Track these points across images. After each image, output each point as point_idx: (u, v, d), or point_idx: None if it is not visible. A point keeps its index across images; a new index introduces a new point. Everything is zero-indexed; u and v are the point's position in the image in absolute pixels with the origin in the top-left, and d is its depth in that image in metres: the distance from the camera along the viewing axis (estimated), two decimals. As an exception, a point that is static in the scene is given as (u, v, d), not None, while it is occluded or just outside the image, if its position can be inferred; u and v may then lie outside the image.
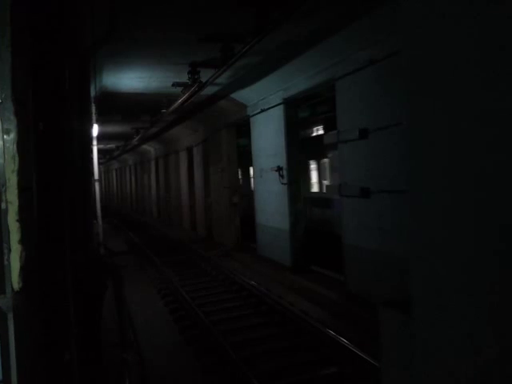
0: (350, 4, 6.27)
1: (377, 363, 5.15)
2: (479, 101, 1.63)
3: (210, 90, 11.10)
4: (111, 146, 27.97)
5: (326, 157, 15.12)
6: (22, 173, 1.52)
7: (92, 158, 8.99)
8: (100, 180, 13.09)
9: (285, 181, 10.62)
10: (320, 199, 14.67)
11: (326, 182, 15.63)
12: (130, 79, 10.38)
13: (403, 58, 1.98)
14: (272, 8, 5.99)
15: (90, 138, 6.55)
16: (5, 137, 1.49)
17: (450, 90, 1.77)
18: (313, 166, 16.55)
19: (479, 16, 1.61)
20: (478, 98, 1.64)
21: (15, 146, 1.51)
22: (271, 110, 11.01)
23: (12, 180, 1.50)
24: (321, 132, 14.53)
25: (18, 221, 1.49)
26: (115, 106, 13.72)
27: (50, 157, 2.17)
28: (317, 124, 14.60)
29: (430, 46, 1.84)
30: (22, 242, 1.49)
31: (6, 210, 1.48)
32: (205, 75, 8.91)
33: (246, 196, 16.19)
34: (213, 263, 12.50)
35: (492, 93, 1.58)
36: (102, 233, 10.76)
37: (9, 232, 1.47)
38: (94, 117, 10.03)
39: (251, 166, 13.83)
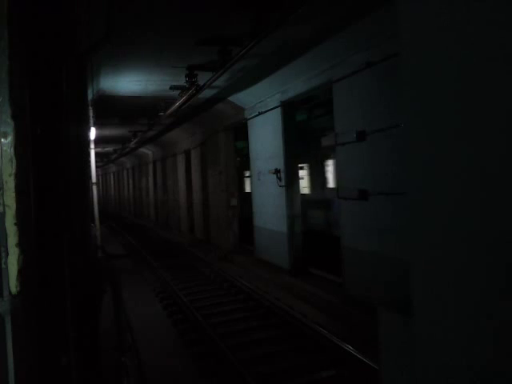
0: (347, 6, 6.29)
1: (376, 365, 5.14)
2: (479, 101, 1.63)
3: (207, 93, 11.11)
4: (109, 149, 27.93)
5: None
6: (19, 176, 1.52)
7: (89, 162, 8.97)
8: (98, 183, 13.07)
9: (282, 183, 10.62)
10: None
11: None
12: (128, 82, 10.38)
13: (401, 59, 1.98)
14: (269, 11, 6.00)
15: (88, 141, 6.53)
16: (2, 140, 1.49)
17: (449, 92, 1.77)
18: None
19: (477, 18, 1.61)
20: (478, 99, 1.64)
21: (13, 150, 1.50)
22: (269, 112, 11.02)
23: (9, 183, 1.49)
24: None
25: (15, 224, 1.48)
26: (112, 109, 13.72)
27: (48, 160, 2.16)
28: None
29: (428, 47, 1.84)
30: (19, 245, 1.48)
31: (4, 213, 1.47)
32: (202, 78, 8.92)
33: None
34: (211, 266, 12.49)
35: (492, 93, 1.59)
36: (100, 236, 10.75)
37: (6, 235, 1.46)
38: (91, 120, 10.03)
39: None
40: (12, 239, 1.47)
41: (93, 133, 11.30)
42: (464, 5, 1.68)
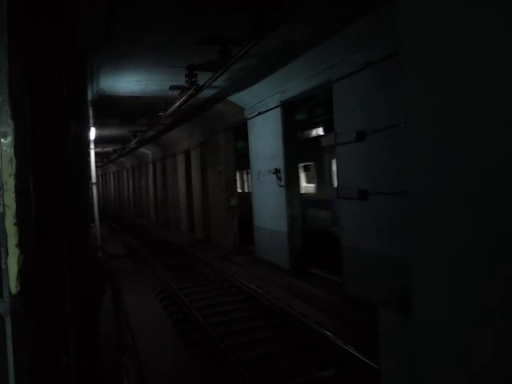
0: (347, 6, 6.29)
1: (376, 365, 5.14)
2: (480, 100, 1.63)
3: (207, 93, 11.11)
4: (108, 149, 27.94)
5: None
6: (19, 176, 1.52)
7: (89, 162, 8.98)
8: (97, 183, 13.08)
9: (282, 183, 10.62)
10: None
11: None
12: (127, 82, 10.38)
13: (401, 59, 1.99)
14: (269, 11, 6.00)
15: (88, 142, 6.55)
16: (2, 140, 1.49)
17: (449, 91, 1.77)
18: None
19: (477, 17, 1.61)
20: (478, 98, 1.64)
21: (12, 150, 1.50)
22: (268, 112, 11.02)
23: (9, 183, 1.49)
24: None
25: (15, 224, 1.48)
26: (112, 109, 13.72)
27: (48, 160, 2.17)
28: None
29: (429, 46, 1.84)
30: (19, 245, 1.48)
31: (4, 213, 1.47)
32: (202, 78, 8.92)
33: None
34: (211, 266, 12.49)
35: (493, 92, 1.59)
36: (100, 236, 10.76)
37: (6, 236, 1.46)
38: (91, 120, 10.03)
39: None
40: (12, 239, 1.47)
41: (93, 133, 11.31)
42: (464, 4, 1.68)
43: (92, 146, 11.00)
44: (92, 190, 10.27)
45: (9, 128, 1.49)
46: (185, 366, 6.19)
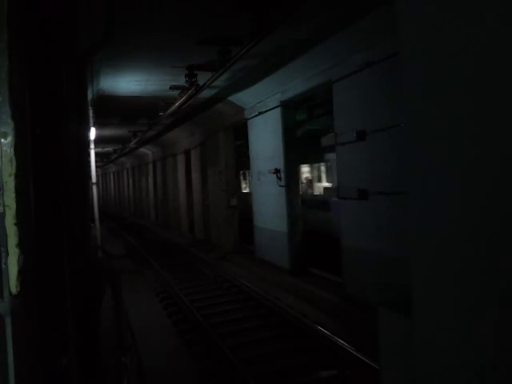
0: (347, 6, 6.29)
1: (376, 365, 5.14)
2: (480, 100, 1.63)
3: (207, 93, 11.11)
4: (108, 149, 27.93)
5: None
6: (19, 176, 1.52)
7: (89, 162, 8.97)
8: (97, 183, 13.07)
9: (282, 183, 10.62)
10: None
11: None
12: (127, 82, 10.37)
13: (401, 59, 1.98)
14: (269, 11, 6.00)
15: (88, 142, 6.54)
16: (2, 140, 1.49)
17: (449, 91, 1.77)
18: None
19: (478, 15, 1.61)
20: (478, 98, 1.64)
21: (12, 150, 1.50)
22: (269, 112, 11.02)
23: (9, 184, 1.49)
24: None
25: (15, 224, 1.48)
26: (112, 109, 13.71)
27: (48, 160, 2.16)
28: None
29: (428, 46, 1.84)
30: (19, 245, 1.48)
31: (4, 213, 1.47)
32: (202, 78, 8.92)
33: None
34: (211, 266, 12.49)
35: (493, 92, 1.59)
36: (100, 236, 10.75)
37: (6, 235, 1.46)
38: (91, 120, 10.02)
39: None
40: (12, 239, 1.47)
41: (93, 133, 11.29)
42: (463, 3, 1.68)
43: (92, 145, 10.98)
44: (92, 189, 10.26)
45: (9, 128, 1.49)
46: (185, 365, 6.18)
